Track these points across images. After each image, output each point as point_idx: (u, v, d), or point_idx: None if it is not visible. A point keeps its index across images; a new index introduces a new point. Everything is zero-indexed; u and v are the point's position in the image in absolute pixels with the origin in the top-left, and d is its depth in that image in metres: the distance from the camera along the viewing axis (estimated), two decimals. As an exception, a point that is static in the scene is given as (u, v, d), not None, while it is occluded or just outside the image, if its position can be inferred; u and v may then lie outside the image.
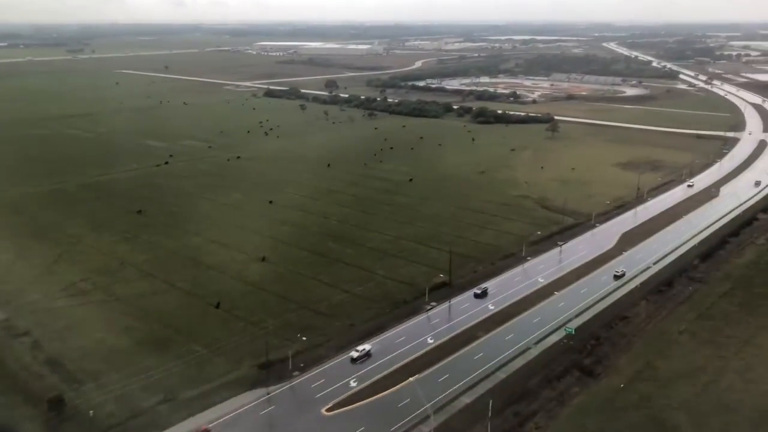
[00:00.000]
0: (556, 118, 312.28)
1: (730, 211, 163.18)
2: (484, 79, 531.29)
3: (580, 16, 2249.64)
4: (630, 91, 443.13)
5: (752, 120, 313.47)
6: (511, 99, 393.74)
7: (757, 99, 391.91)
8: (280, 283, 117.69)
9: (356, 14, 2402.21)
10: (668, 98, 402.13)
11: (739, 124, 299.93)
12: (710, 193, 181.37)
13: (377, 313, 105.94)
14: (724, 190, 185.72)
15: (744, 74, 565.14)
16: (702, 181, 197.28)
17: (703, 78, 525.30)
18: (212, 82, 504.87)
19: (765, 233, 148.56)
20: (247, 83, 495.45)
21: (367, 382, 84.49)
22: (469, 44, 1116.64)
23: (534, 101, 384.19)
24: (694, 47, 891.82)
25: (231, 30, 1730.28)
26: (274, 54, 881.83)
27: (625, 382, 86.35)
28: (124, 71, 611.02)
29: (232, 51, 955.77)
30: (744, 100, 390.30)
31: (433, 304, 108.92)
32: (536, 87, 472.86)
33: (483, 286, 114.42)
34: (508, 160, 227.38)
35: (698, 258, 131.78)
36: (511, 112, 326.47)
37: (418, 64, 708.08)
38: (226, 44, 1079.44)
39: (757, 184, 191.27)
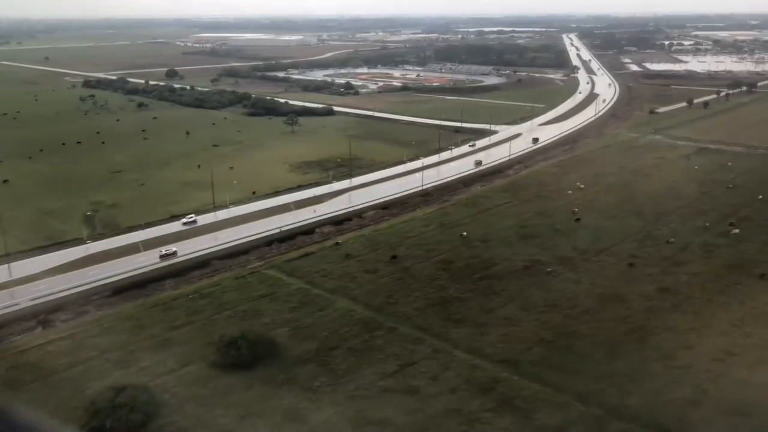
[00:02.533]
0: (337, 109, 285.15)
1: (285, 226, 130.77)
2: (361, 70, 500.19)
3: (585, 8, 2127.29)
4: (489, 81, 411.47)
5: (553, 112, 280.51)
6: (342, 90, 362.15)
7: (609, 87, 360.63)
8: None
9: (358, 7, 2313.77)
10: (513, 88, 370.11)
11: (532, 116, 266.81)
12: (314, 201, 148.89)
13: None
14: (336, 199, 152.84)
15: (646, 63, 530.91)
16: (346, 184, 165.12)
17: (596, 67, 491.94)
18: (61, 73, 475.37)
19: (270, 259, 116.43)
20: (100, 74, 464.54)
21: None
22: (421, 36, 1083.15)
23: (356, 92, 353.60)
24: (638, 37, 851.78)
25: (210, 24, 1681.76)
26: (197, 45, 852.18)
27: None
28: (2, 63, 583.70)
29: (163, 42, 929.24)
30: (591, 89, 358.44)
31: None
32: (402, 78, 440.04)
33: None
34: (185, 157, 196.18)
35: (113, 291, 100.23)
36: (297, 103, 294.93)
37: (329, 54, 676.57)
38: (192, 37, 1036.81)
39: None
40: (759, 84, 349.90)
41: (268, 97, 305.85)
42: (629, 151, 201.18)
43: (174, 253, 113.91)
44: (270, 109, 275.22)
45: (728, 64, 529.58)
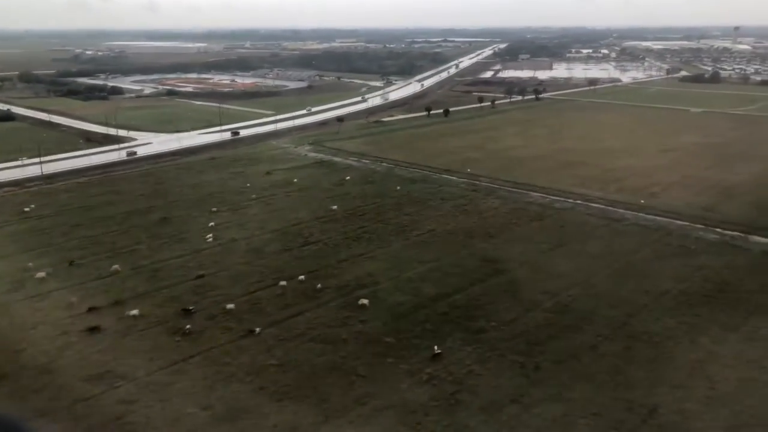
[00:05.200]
0: (25, 114, 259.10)
1: None
2: (191, 75, 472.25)
3: (564, 21, 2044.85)
4: (291, 86, 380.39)
5: (272, 119, 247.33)
6: (105, 95, 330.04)
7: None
8: None
9: (334, 19, 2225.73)
10: (295, 94, 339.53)
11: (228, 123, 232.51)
12: None
13: None
14: None
15: (508, 71, 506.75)
16: None
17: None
18: None
19: None
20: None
21: None
22: (348, 44, 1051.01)
23: (106, 97, 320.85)
24: (543, 46, 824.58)
25: (169, 34, 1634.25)
26: (90, 52, 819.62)
27: None
28: None
29: (64, 50, 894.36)
30: (382, 94, 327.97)
31: None
32: (215, 83, 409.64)
33: None
34: None
35: None
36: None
37: (212, 60, 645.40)
38: (103, 46, 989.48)
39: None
40: (548, 92, 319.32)
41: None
42: (228, 164, 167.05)
43: None
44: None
45: (594, 71, 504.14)
